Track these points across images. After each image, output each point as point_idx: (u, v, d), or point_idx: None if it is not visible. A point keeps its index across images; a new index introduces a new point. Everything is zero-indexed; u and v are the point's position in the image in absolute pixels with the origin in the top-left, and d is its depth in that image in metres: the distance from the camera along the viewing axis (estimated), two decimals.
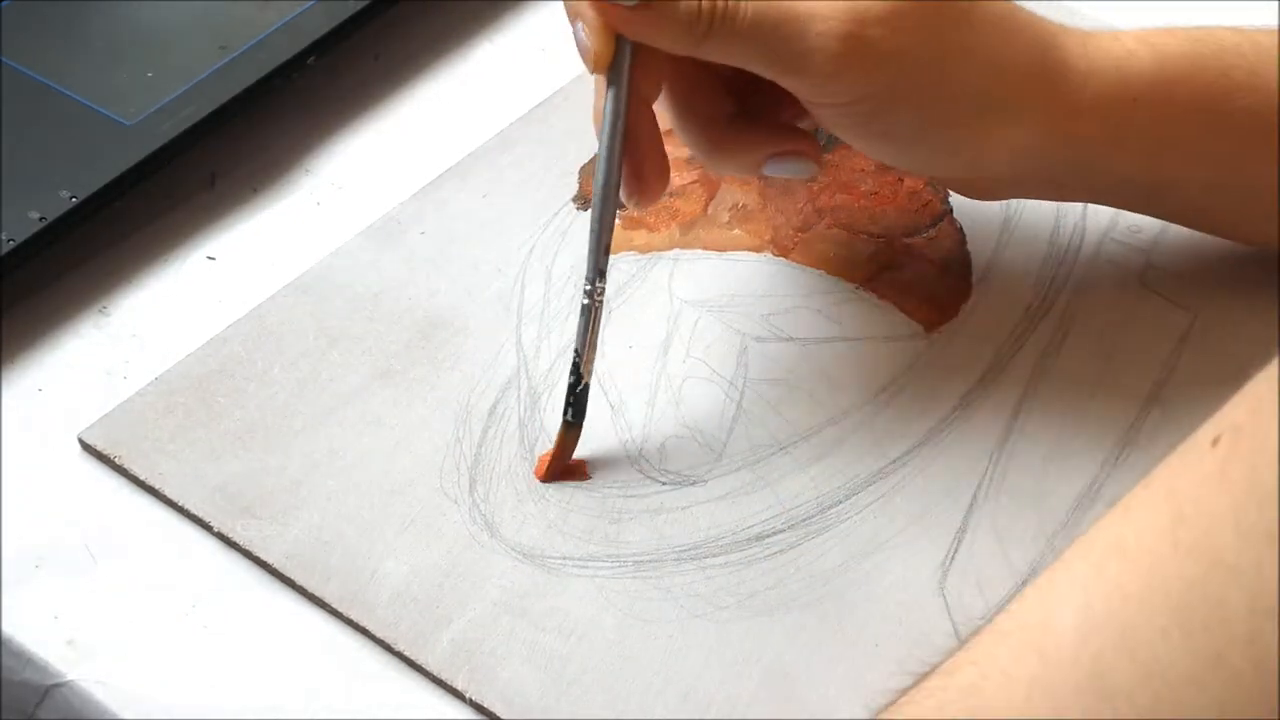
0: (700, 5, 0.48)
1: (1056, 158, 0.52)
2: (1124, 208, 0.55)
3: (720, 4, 0.48)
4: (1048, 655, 0.36)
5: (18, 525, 0.51)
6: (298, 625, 0.49)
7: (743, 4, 0.48)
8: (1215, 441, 0.35)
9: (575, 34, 0.50)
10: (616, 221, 0.58)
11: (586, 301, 0.50)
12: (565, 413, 0.51)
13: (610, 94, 0.50)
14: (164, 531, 0.51)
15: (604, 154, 0.50)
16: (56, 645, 0.48)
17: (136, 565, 0.50)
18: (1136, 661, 0.34)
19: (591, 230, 0.50)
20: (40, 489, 0.52)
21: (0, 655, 0.49)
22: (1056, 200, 0.56)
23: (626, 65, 0.50)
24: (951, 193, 0.59)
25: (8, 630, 0.49)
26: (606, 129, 0.50)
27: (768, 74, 0.50)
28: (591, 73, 0.50)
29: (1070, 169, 0.52)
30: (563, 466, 0.51)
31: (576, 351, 0.51)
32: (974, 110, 0.51)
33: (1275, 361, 0.34)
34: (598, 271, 0.50)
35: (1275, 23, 0.62)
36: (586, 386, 0.51)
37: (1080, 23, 0.54)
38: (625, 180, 0.51)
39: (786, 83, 0.50)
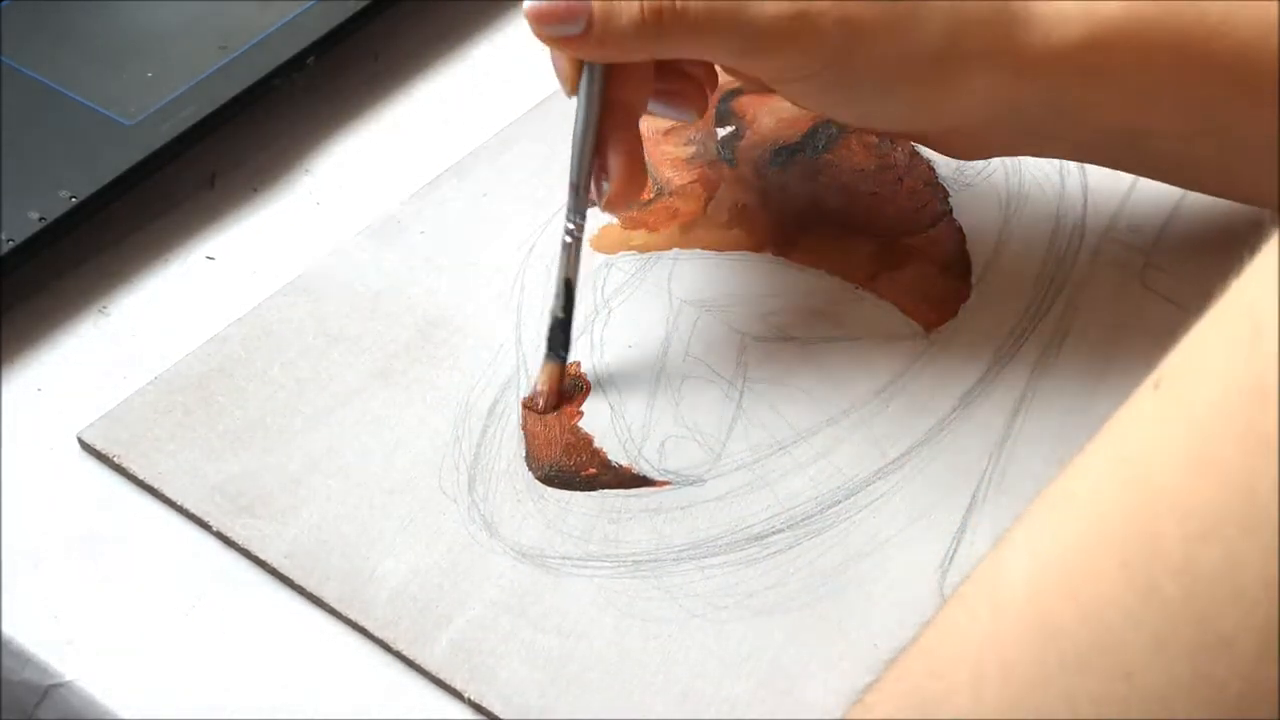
0: (643, 10, 0.50)
1: (1029, 108, 0.52)
2: (1108, 164, 0.55)
3: (666, 4, 0.50)
4: (999, 608, 0.36)
5: (18, 525, 0.51)
6: (298, 625, 0.49)
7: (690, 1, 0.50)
8: (1156, 384, 0.35)
9: (552, 59, 0.52)
10: (616, 222, 0.58)
11: (568, 240, 0.53)
12: (551, 348, 0.53)
13: (580, 108, 0.52)
14: (164, 531, 0.51)
15: (573, 169, 0.53)
16: (56, 645, 0.48)
17: (136, 565, 0.50)
18: (1078, 603, 0.34)
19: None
20: (40, 489, 0.52)
21: (0, 655, 0.49)
22: (1041, 155, 0.56)
23: (594, 83, 0.52)
24: (950, 193, 0.59)
25: (8, 630, 0.49)
26: (576, 141, 0.52)
27: (726, 61, 0.52)
28: (567, 95, 0.52)
29: (1045, 119, 0.53)
30: (559, 399, 0.53)
31: (565, 285, 0.53)
32: (932, 65, 0.51)
33: (1214, 306, 0.35)
34: (578, 211, 0.53)
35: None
36: (569, 320, 0.53)
37: None
38: (596, 187, 0.53)
39: (745, 66, 0.52)
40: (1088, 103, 0.52)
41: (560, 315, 0.53)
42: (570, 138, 0.52)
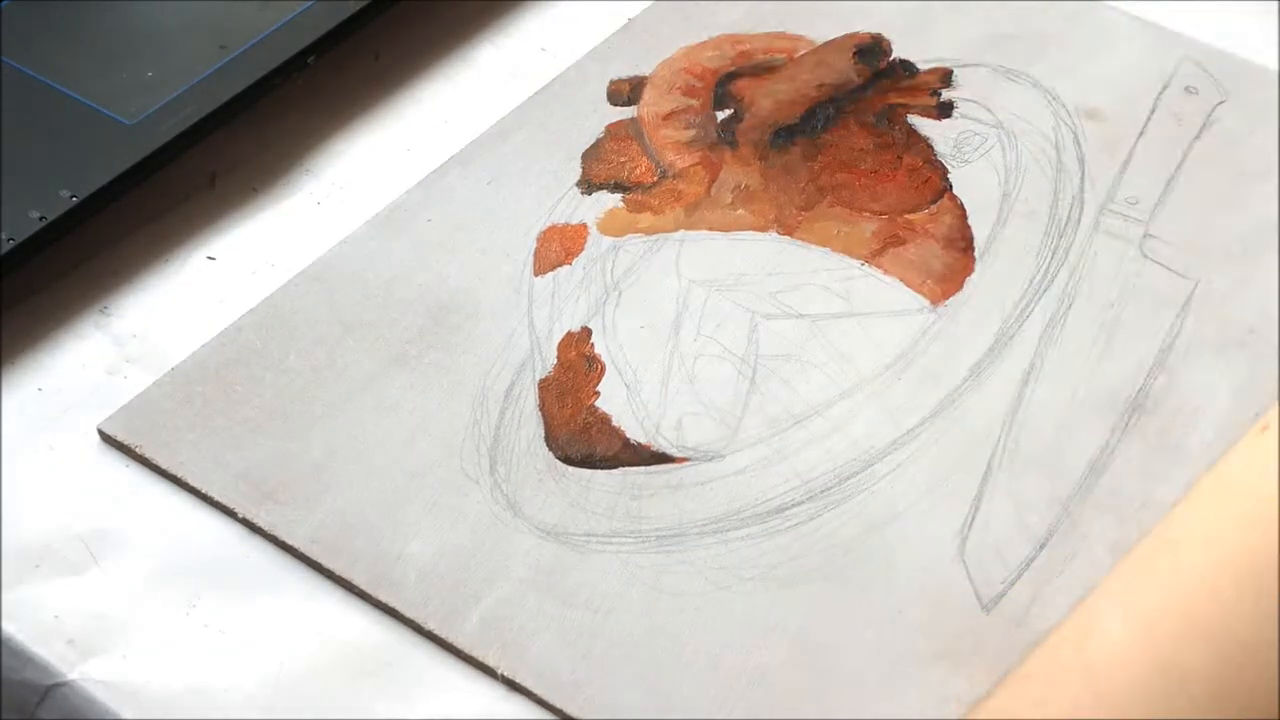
0: None
1: None
2: None
3: None
4: (1093, 669, 0.35)
5: (18, 525, 0.51)
6: (298, 624, 0.49)
7: None
8: (1264, 428, 0.35)
9: None
10: (621, 205, 0.59)
11: None
12: None
13: None
14: (164, 531, 0.51)
15: None
16: (56, 645, 0.48)
17: (137, 565, 0.50)
18: (1210, 643, 0.34)
19: None
20: (40, 489, 0.52)
21: (0, 655, 0.48)
22: None
23: None
24: (949, 170, 0.60)
25: (8, 630, 0.49)
26: None
27: None
28: None
29: None
30: None
31: None
32: None
33: None
34: None
35: (1275, 23, 0.64)
36: None
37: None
38: None
39: None
40: None
41: None
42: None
